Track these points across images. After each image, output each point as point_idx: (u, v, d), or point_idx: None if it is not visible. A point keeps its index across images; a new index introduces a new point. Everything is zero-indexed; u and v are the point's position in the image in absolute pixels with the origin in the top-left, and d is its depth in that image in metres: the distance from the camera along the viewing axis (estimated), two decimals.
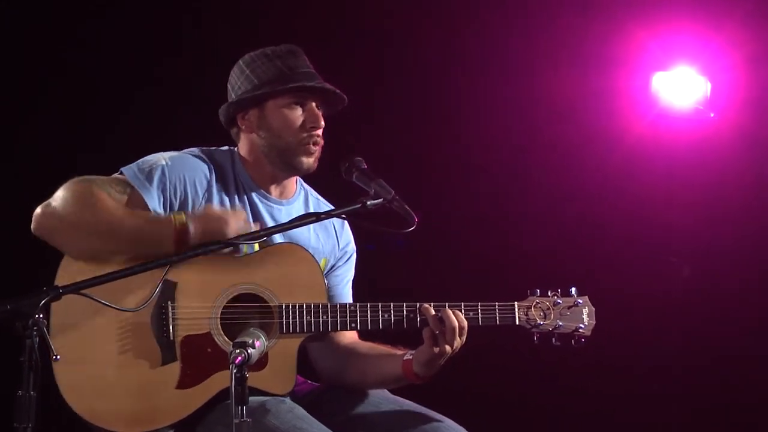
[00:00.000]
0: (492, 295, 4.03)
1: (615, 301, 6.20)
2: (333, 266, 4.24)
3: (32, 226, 3.78)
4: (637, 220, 6.34)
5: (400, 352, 4.02)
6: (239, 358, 3.26)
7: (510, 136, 6.29)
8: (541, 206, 6.32)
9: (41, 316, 3.06)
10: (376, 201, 3.66)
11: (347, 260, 4.29)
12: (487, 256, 6.23)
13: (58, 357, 3.14)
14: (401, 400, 4.08)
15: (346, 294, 4.27)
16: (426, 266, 6.24)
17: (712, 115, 6.28)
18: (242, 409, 3.26)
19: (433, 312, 3.88)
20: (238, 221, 3.78)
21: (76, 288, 3.27)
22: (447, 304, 3.91)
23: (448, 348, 3.86)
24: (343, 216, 3.72)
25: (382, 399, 4.08)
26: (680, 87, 6.33)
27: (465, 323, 3.88)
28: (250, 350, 3.30)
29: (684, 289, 6.43)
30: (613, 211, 6.31)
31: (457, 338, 3.86)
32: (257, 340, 3.38)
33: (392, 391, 4.14)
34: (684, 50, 6.30)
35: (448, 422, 3.98)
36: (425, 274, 6.17)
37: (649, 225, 6.36)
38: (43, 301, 3.09)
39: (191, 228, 3.71)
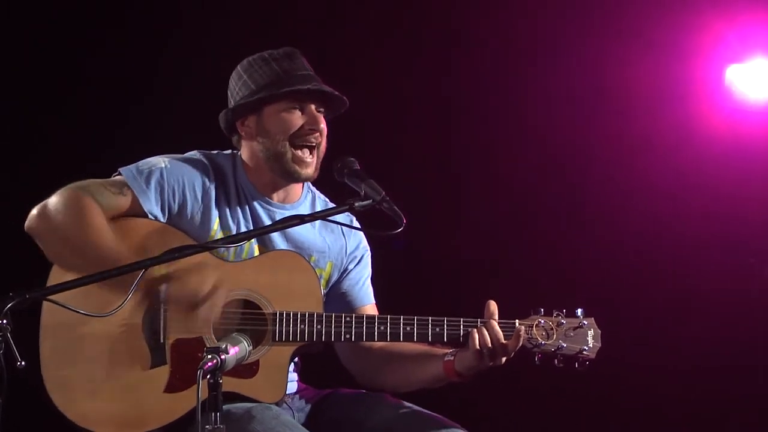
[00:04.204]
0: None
1: (690, 302, 6.07)
2: (345, 270, 4.18)
3: (25, 225, 3.83)
4: (711, 218, 6.13)
5: (440, 352, 3.95)
6: (209, 363, 3.18)
7: (576, 130, 6.12)
8: (609, 203, 6.14)
9: (5, 321, 3.04)
10: (364, 202, 3.58)
11: (359, 261, 4.23)
12: (556, 257, 6.11)
13: (23, 363, 3.11)
14: (405, 403, 3.99)
15: (364, 295, 4.22)
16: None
17: None
18: (216, 416, 3.18)
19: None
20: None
21: (43, 294, 3.25)
22: (446, 319, 3.88)
23: (492, 363, 3.85)
24: (330, 218, 3.65)
25: (384, 403, 4.00)
26: (756, 80, 6.12)
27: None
28: (223, 356, 3.22)
29: (763, 290, 6.18)
30: (687, 209, 6.12)
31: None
32: (234, 346, 3.30)
33: (397, 395, 4.07)
34: (760, 42, 6.10)
35: (458, 430, 3.89)
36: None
37: (725, 223, 6.15)
38: (6, 307, 3.05)
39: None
